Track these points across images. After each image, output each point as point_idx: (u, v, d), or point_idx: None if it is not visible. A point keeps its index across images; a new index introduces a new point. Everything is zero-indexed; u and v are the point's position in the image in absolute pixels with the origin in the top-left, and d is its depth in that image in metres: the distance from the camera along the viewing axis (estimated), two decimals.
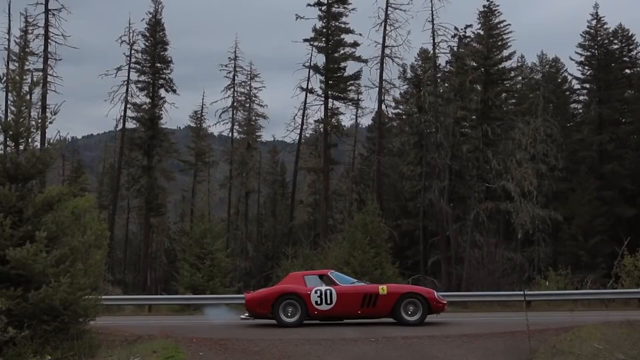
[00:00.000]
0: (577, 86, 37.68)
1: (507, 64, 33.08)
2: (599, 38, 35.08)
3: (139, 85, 35.02)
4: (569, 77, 37.91)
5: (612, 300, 17.19)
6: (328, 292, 11.30)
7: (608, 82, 34.16)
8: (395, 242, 26.81)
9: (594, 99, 34.79)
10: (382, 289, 11.43)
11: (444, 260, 28.09)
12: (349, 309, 11.33)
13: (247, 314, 11.83)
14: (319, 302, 11.19)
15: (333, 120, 35.47)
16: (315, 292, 11.25)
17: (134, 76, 34.89)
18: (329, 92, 34.66)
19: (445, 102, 30.28)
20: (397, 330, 10.43)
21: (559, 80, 37.91)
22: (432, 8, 30.12)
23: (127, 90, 34.32)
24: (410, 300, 11.23)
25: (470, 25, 31.85)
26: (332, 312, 11.33)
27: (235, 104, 38.62)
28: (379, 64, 31.61)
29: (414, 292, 11.56)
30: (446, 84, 31.87)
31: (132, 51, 34.67)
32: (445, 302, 11.88)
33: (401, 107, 37.82)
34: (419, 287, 12.87)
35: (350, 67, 35.74)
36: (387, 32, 31.47)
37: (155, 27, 35.45)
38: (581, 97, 37.74)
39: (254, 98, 39.29)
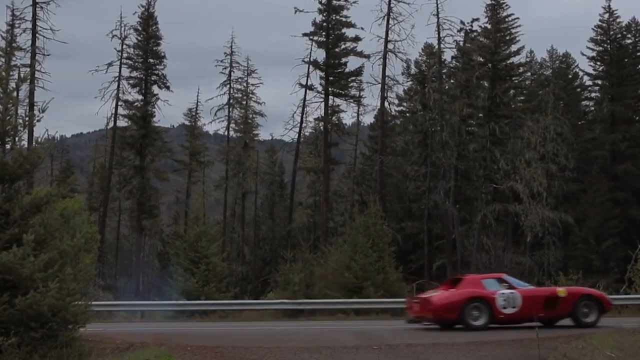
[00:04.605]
0: (588, 83, 37.46)
1: (515, 60, 32.85)
2: (611, 32, 34.65)
3: (131, 82, 34.54)
4: (580, 73, 37.72)
5: (625, 306, 17.21)
6: (513, 295, 11.61)
7: (621, 78, 33.77)
8: (398, 245, 26.54)
9: (606, 96, 34.37)
10: (561, 291, 12.00)
11: (450, 265, 27.70)
12: (532, 312, 11.41)
13: (412, 319, 12.15)
14: (505, 306, 11.53)
15: (334, 118, 35.09)
16: (501, 296, 11.58)
17: (125, 72, 34.36)
18: (330, 89, 34.25)
19: (451, 99, 29.92)
20: (399, 338, 10.37)
21: (570, 76, 37.52)
22: (437, 1, 29.85)
23: (118, 86, 33.75)
24: (586, 302, 11.84)
25: (477, 19, 31.58)
26: (517, 316, 11.60)
27: (231, 101, 38.24)
28: (381, 60, 31.32)
29: (589, 294, 12.22)
30: (452, 80, 31.57)
31: (124, 46, 34.11)
32: (613, 303, 12.72)
33: (405, 104, 37.51)
34: (592, 290, 13.28)
35: (352, 63, 35.51)
36: (390, 26, 31.16)
37: (147, 21, 34.79)
38: (593, 94, 37.50)
39: (251, 95, 38.73)
